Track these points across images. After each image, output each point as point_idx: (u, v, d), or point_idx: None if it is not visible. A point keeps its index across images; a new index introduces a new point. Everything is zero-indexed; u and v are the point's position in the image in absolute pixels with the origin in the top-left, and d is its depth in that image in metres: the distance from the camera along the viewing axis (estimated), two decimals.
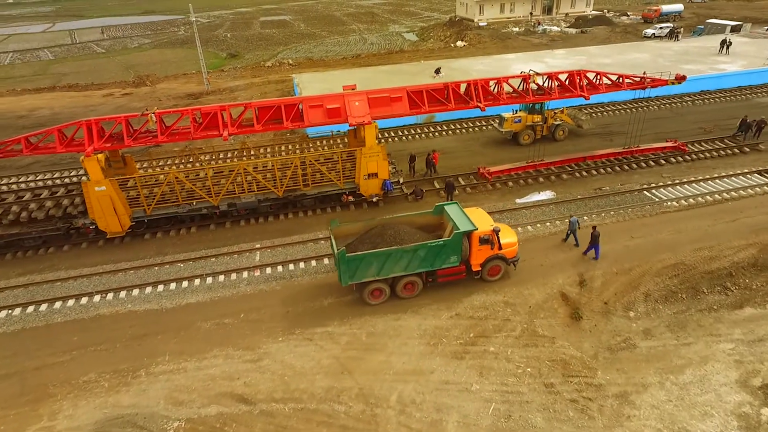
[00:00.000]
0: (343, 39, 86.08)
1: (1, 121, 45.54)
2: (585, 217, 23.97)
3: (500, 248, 19.25)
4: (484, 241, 18.89)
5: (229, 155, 33.44)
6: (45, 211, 23.15)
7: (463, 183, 28.32)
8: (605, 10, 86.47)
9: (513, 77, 26.88)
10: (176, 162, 31.39)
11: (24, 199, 24.12)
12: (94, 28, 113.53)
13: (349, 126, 24.38)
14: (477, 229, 18.60)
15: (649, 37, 63.56)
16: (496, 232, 18.87)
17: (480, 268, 19.50)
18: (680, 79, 28.74)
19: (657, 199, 25.47)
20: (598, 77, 27.63)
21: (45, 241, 23.81)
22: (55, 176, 32.06)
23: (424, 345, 17.42)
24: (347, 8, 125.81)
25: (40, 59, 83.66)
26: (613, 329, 18.10)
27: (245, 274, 21.32)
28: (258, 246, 23.13)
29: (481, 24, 77.42)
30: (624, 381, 15.95)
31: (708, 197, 25.39)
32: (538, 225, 23.84)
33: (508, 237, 19.70)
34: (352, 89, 25.15)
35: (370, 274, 18.21)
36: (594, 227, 21.40)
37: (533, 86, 26.79)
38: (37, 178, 31.86)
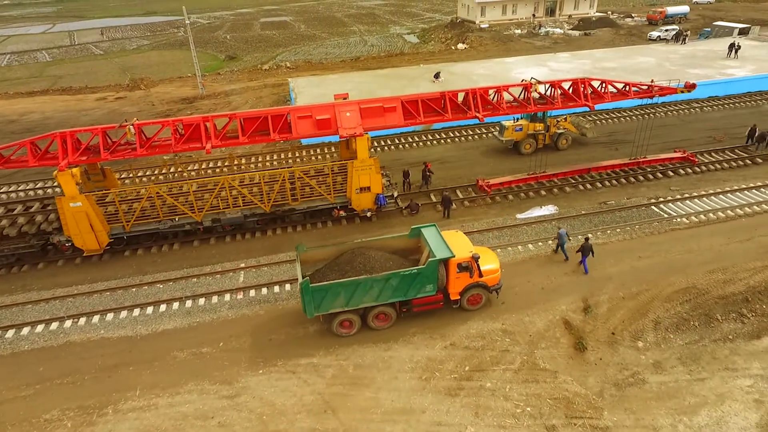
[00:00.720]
0: (343, 41, 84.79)
1: None
2: (590, 235, 22.57)
3: (480, 275, 17.73)
4: (462, 268, 17.42)
5: (219, 164, 32.23)
6: (17, 228, 21.94)
7: (461, 196, 26.98)
8: (609, 12, 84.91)
9: (513, 86, 25.53)
10: (163, 172, 30.14)
11: None
12: (94, 29, 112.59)
13: (340, 138, 23.09)
14: (454, 256, 17.15)
15: (654, 40, 62.15)
16: (475, 258, 17.36)
17: (459, 297, 18.05)
18: (690, 87, 27.32)
19: (666, 215, 24.07)
20: (604, 85, 26.27)
21: (19, 259, 22.61)
22: (38, 186, 30.88)
23: (416, 379, 16.10)
24: (348, 9, 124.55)
25: (38, 61, 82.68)
26: (620, 362, 16.74)
27: (227, 296, 20.05)
28: (243, 265, 21.86)
29: (482, 26, 76.01)
30: (633, 423, 14.61)
31: (720, 213, 23.98)
32: (540, 243, 22.48)
33: (489, 263, 18.18)
34: (344, 98, 23.88)
35: (338, 305, 16.82)
36: (587, 238, 20.44)
37: (535, 95, 25.44)
38: (19, 188, 30.70)
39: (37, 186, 30.92)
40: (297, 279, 20.49)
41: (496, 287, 18.46)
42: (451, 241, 17.77)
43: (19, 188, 30.76)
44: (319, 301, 16.54)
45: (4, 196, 30.00)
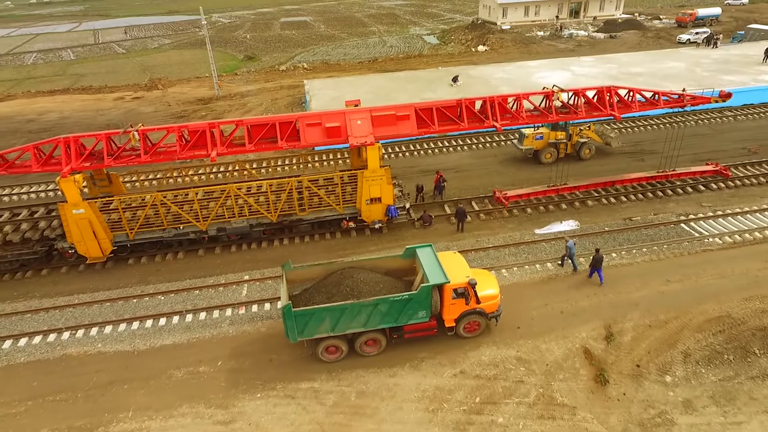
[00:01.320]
0: (362, 41, 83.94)
1: (9, 125, 44.98)
2: (614, 254, 21.21)
3: (478, 302, 16.48)
4: (458, 294, 16.20)
5: (230, 168, 31.55)
6: (21, 234, 21.58)
7: (476, 208, 25.77)
8: (636, 14, 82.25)
9: (534, 94, 24.23)
10: (169, 176, 29.63)
11: (0, 219, 22.69)
12: (118, 28, 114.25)
13: (350, 147, 22.15)
14: (449, 281, 15.94)
15: (684, 43, 59.79)
16: (472, 285, 16.12)
17: (454, 324, 16.84)
18: (725, 96, 25.62)
19: (697, 234, 22.49)
20: (631, 94, 24.76)
21: (23, 265, 22.26)
22: (49, 188, 30.68)
23: (422, 411, 15.05)
24: (369, 9, 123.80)
25: (62, 59, 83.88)
26: (646, 398, 15.42)
27: (229, 311, 19.28)
28: (246, 278, 21.09)
29: (504, 27, 74.32)
30: None
31: (756, 233, 22.28)
32: (559, 262, 21.15)
33: (487, 288, 16.90)
34: (356, 105, 22.93)
35: (323, 330, 15.78)
36: (597, 250, 19.40)
37: (557, 103, 24.09)
38: (30, 190, 30.55)
39: (48, 188, 30.74)
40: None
41: (495, 314, 17.19)
42: (447, 264, 16.56)
43: (31, 190, 30.63)
44: (302, 326, 15.54)
45: (15, 197, 29.90)
